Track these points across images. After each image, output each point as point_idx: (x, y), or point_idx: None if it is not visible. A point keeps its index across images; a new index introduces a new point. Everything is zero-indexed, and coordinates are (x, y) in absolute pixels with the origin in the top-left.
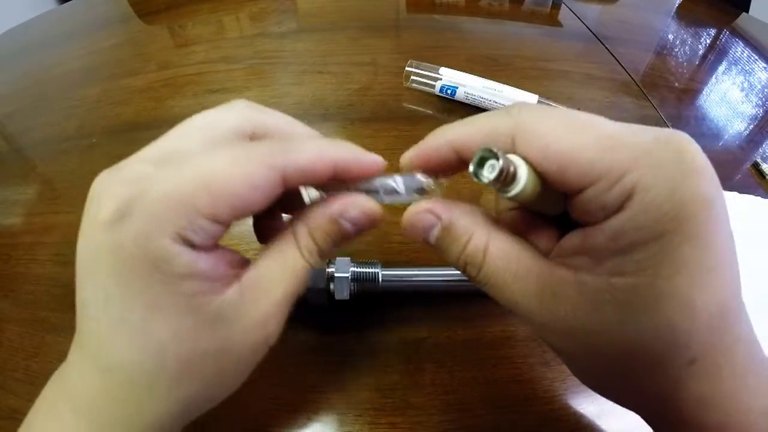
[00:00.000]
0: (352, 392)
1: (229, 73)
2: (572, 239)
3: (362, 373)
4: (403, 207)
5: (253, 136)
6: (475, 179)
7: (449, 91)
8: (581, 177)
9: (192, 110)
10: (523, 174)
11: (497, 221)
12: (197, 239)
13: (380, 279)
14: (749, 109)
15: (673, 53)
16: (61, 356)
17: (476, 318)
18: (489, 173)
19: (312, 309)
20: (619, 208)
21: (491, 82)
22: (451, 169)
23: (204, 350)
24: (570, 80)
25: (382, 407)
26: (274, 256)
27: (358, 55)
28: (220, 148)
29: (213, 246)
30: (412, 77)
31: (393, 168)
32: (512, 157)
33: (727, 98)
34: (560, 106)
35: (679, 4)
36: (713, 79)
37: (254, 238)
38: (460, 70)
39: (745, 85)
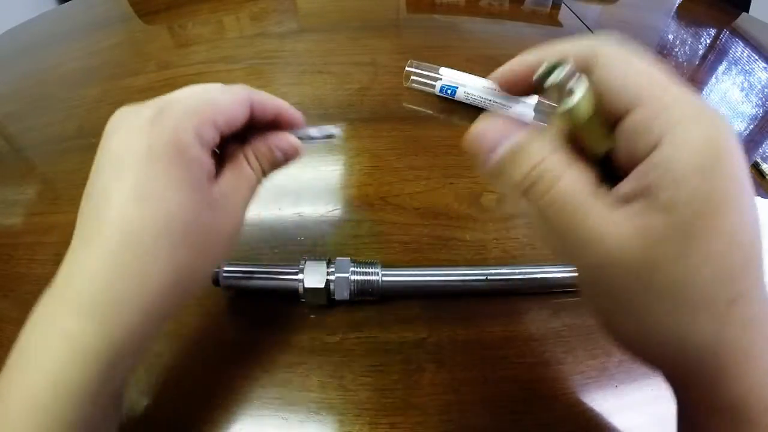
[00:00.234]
0: (352, 392)
1: (229, 73)
2: (626, 185)
3: (362, 373)
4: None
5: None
6: (539, 83)
7: (449, 91)
8: (636, 96)
9: None
10: (583, 86)
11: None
12: (205, 138)
13: (380, 279)
14: (749, 109)
15: (673, 53)
16: None
17: (476, 318)
18: (555, 77)
19: (312, 309)
20: (663, 140)
21: (491, 82)
22: (531, 89)
23: (202, 224)
24: None
25: (382, 407)
26: (235, 171)
27: (358, 55)
28: (212, 89)
29: (210, 150)
30: (412, 77)
31: (392, 167)
32: (577, 74)
33: (727, 98)
34: None
35: (679, 4)
36: (713, 79)
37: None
38: (460, 70)
39: (745, 85)
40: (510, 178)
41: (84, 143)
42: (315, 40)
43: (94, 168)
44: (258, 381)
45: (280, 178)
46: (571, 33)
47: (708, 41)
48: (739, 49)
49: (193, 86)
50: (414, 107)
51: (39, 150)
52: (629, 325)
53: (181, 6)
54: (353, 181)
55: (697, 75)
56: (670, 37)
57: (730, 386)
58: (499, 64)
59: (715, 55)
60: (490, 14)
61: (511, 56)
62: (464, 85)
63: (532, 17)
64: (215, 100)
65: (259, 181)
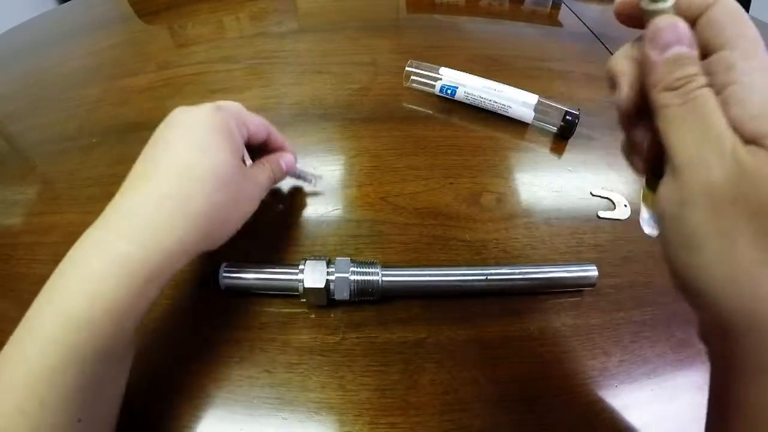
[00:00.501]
0: (352, 392)
1: (229, 73)
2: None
3: (362, 373)
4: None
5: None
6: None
7: (449, 91)
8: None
9: None
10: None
11: None
12: (241, 132)
13: (380, 279)
14: None
15: None
16: None
17: (476, 318)
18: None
19: (312, 309)
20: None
21: (491, 82)
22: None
23: (236, 182)
24: (570, 80)
25: (382, 407)
26: (256, 165)
27: (358, 55)
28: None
29: (243, 142)
30: (412, 77)
31: (392, 167)
32: None
33: None
34: None
35: None
36: None
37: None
38: (460, 70)
39: None
40: (669, 72)
41: (84, 143)
42: (315, 40)
43: (161, 130)
44: (258, 381)
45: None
46: (571, 33)
47: None
48: None
49: (234, 102)
50: (414, 107)
51: (39, 150)
52: (713, 244)
53: (181, 6)
54: (353, 181)
55: None
56: None
57: None
58: (499, 64)
59: None
60: (490, 14)
61: (511, 56)
62: (464, 85)
63: (532, 17)
64: (249, 115)
65: (272, 179)
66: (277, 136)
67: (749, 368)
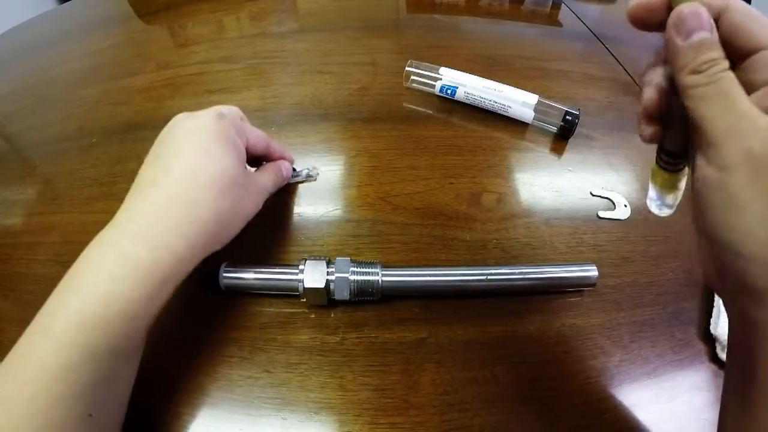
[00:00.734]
0: (352, 392)
1: (229, 73)
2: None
3: (362, 373)
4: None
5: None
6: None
7: (449, 91)
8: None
9: (192, 111)
10: None
11: None
12: (242, 139)
13: (380, 279)
14: None
15: None
16: None
17: (476, 318)
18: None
19: (312, 309)
20: None
21: (491, 82)
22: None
23: (240, 185)
24: (570, 80)
25: (382, 407)
26: (260, 170)
27: (358, 55)
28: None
29: (244, 146)
30: (412, 77)
31: (392, 167)
32: None
33: None
34: None
35: None
36: None
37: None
38: (460, 70)
39: None
40: (694, 57)
41: (84, 143)
42: (315, 40)
43: (166, 135)
44: (258, 381)
45: None
46: (571, 33)
47: None
48: None
49: (234, 107)
50: (414, 107)
51: (39, 150)
52: (756, 205)
53: (181, 6)
54: (353, 181)
55: None
56: None
57: None
58: (499, 64)
59: None
60: (490, 14)
61: (511, 56)
62: (464, 85)
63: (532, 17)
64: (249, 127)
65: (273, 184)
66: (276, 148)
67: None
